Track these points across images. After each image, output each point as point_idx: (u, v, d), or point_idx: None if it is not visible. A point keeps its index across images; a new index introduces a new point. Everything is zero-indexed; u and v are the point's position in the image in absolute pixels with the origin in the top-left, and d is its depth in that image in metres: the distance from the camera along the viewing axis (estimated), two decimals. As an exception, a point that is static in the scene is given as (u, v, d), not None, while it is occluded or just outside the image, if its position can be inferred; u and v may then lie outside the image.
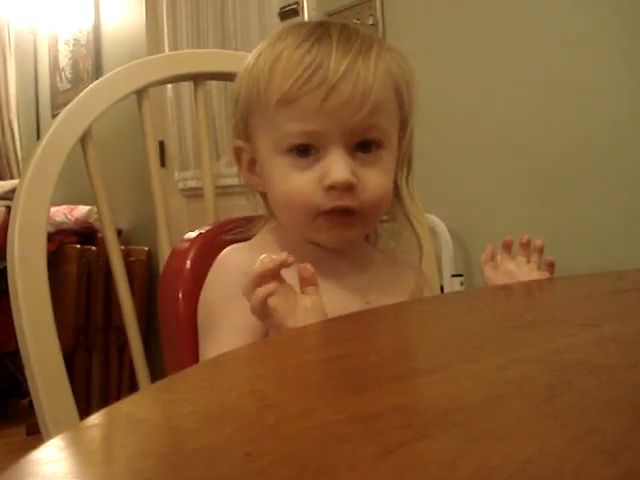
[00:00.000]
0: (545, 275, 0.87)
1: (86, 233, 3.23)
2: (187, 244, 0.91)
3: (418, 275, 0.92)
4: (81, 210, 3.23)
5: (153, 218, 1.07)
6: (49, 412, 0.86)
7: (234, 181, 0.91)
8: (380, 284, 0.85)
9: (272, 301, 0.67)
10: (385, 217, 0.89)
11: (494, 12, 1.78)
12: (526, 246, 0.90)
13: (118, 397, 0.43)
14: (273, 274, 0.67)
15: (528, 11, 1.70)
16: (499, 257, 0.91)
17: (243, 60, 0.86)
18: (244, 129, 0.84)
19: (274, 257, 0.66)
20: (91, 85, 1.00)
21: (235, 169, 0.89)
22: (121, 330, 1.05)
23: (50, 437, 0.36)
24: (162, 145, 3.13)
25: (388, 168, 0.82)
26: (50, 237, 2.98)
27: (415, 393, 0.42)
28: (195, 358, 0.83)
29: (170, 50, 3.06)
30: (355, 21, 2.10)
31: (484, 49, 1.81)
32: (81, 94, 0.98)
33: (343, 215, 0.78)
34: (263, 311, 0.67)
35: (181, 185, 3.11)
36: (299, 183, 0.78)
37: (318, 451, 0.33)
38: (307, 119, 0.76)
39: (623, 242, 1.53)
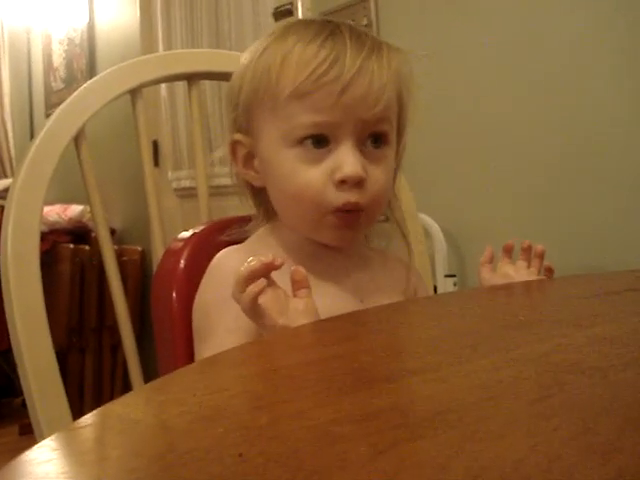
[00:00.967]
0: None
1: (79, 232, 3.22)
2: (181, 244, 0.91)
3: (411, 272, 0.92)
4: (74, 209, 3.22)
5: (147, 218, 1.07)
6: (42, 412, 0.86)
7: (228, 181, 0.91)
8: (374, 283, 0.85)
9: (263, 300, 0.67)
10: (382, 217, 0.89)
11: (488, 13, 1.78)
12: (527, 251, 0.90)
13: (111, 397, 0.43)
14: (261, 275, 0.67)
15: (523, 11, 1.71)
16: (500, 261, 0.92)
17: (237, 60, 0.86)
18: (245, 123, 0.83)
19: (262, 259, 0.66)
20: (85, 84, 1.00)
21: (228, 169, 0.89)
22: (114, 330, 1.05)
23: (43, 437, 0.36)
24: (156, 145, 3.13)
25: (390, 166, 0.82)
26: (43, 236, 2.98)
27: (408, 393, 0.42)
28: (188, 358, 0.83)
29: (164, 50, 3.06)
30: (350, 21, 2.10)
31: (478, 50, 1.81)
32: (75, 93, 0.98)
33: (351, 213, 0.79)
34: (254, 310, 0.67)
35: (175, 185, 3.10)
36: (309, 177, 0.77)
37: (311, 451, 0.33)
38: (322, 111, 0.75)
39: (616, 243, 1.53)
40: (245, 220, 0.90)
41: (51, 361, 0.88)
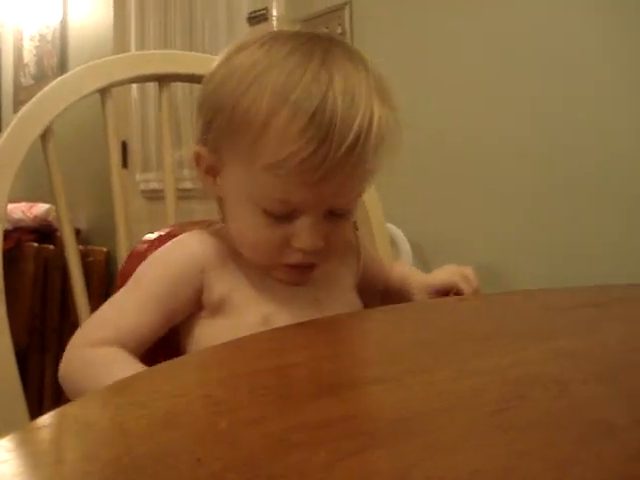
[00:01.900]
0: None
1: (44, 231, 3.18)
2: (145, 246, 0.91)
3: (356, 250, 0.92)
4: (40, 208, 3.18)
5: (113, 219, 1.06)
6: (-1, 412, 0.84)
7: (196, 184, 0.91)
8: (327, 279, 0.85)
9: None
10: None
11: (463, 23, 1.80)
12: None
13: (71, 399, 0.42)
14: None
15: (498, 19, 1.72)
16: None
17: (210, 63, 0.83)
18: (212, 142, 0.77)
19: None
20: (54, 82, 0.98)
21: (196, 172, 0.88)
22: (76, 331, 1.03)
23: (-1, 437, 0.35)
24: (125, 145, 3.11)
25: (353, 214, 0.81)
26: (7, 234, 2.92)
27: (368, 402, 0.43)
28: (149, 361, 0.82)
29: (137, 50, 3.04)
30: (324, 29, 2.11)
31: (452, 59, 1.82)
32: (43, 90, 0.97)
33: (305, 267, 0.78)
34: None
35: (142, 186, 3.08)
36: (267, 235, 0.75)
37: (269, 458, 0.33)
38: (293, 193, 0.72)
39: (581, 255, 1.55)
40: (211, 224, 0.89)
41: (10, 361, 0.86)
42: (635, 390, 0.43)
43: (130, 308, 0.76)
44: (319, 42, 0.74)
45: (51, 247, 3.06)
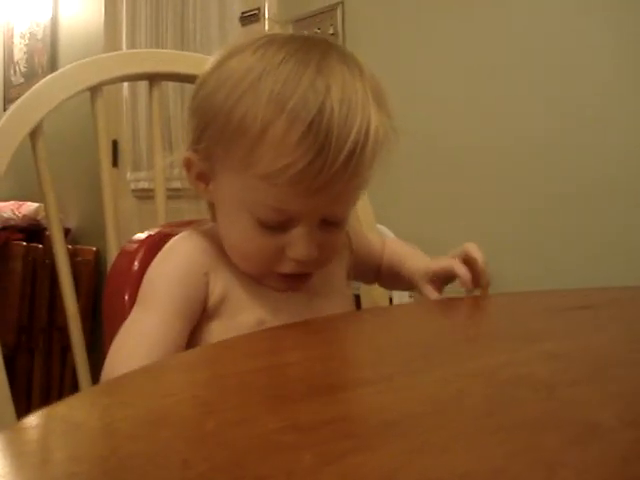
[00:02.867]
0: None
1: (33, 230, 3.17)
2: (135, 245, 0.90)
3: (347, 244, 0.91)
4: (29, 207, 3.17)
5: (103, 218, 1.06)
6: (-15, 412, 0.84)
7: (185, 184, 0.90)
8: (321, 280, 0.84)
9: None
10: None
11: (455, 23, 1.80)
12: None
13: (59, 399, 0.42)
14: None
15: (491, 20, 1.73)
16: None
17: (202, 63, 0.83)
18: (205, 150, 0.76)
19: None
20: (44, 80, 0.98)
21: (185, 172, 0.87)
22: (65, 331, 1.03)
23: (-15, 437, 0.35)
24: (115, 144, 3.10)
25: (347, 222, 0.81)
26: (-4, 232, 2.93)
27: (358, 404, 0.42)
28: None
29: (128, 48, 3.03)
30: (316, 30, 2.11)
31: (445, 60, 1.83)
32: (33, 88, 0.96)
33: (299, 276, 0.78)
34: None
35: (133, 186, 3.07)
36: (261, 245, 0.75)
37: (256, 459, 0.32)
38: (289, 201, 0.71)
39: (570, 260, 1.56)
40: (201, 224, 0.89)
41: (-2, 360, 0.86)
42: (624, 392, 0.43)
43: (155, 332, 0.73)
44: (314, 47, 0.73)
45: (40, 246, 3.05)
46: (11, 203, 3.18)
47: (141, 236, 0.92)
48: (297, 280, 0.79)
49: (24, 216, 3.15)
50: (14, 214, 3.14)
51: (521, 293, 0.86)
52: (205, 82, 0.76)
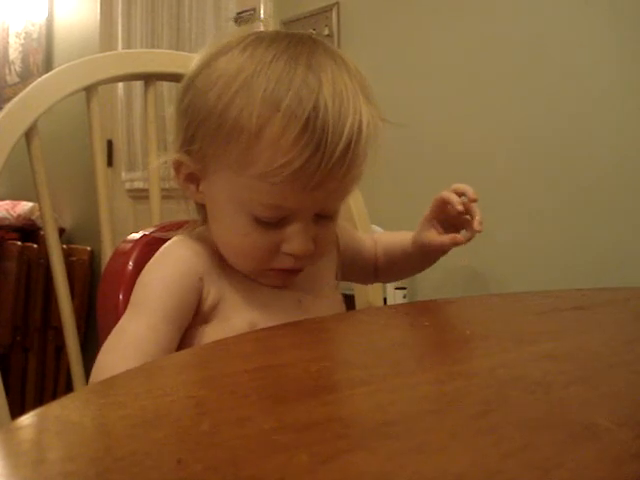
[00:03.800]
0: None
1: (28, 230, 3.16)
2: (130, 245, 0.90)
3: (334, 241, 0.91)
4: (24, 206, 3.16)
5: (97, 218, 1.06)
6: (-21, 412, 0.84)
7: (174, 185, 0.90)
8: (309, 278, 0.85)
9: None
10: None
11: (450, 24, 1.80)
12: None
13: (53, 399, 0.42)
14: None
15: (484, 20, 1.73)
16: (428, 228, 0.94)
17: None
18: (197, 151, 0.75)
19: None
20: (39, 79, 0.98)
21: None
22: (59, 331, 1.03)
23: (-22, 437, 0.35)
24: (110, 144, 3.09)
25: (339, 214, 0.81)
26: (-10, 232, 2.92)
27: (352, 404, 0.42)
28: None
29: (123, 48, 3.03)
30: (311, 31, 2.10)
31: (439, 61, 1.83)
32: (28, 88, 0.96)
33: (293, 270, 0.79)
34: None
35: (128, 186, 3.07)
36: (257, 241, 0.75)
37: (251, 459, 0.32)
38: (286, 198, 0.71)
39: (564, 261, 1.56)
40: (196, 223, 0.89)
41: (-9, 360, 0.86)
42: (618, 392, 0.43)
43: (144, 337, 0.73)
44: (301, 43, 0.73)
45: (35, 246, 3.04)
46: (6, 203, 3.17)
47: (136, 236, 0.92)
48: (291, 274, 0.80)
49: (19, 216, 3.14)
50: (9, 214, 3.13)
51: (516, 294, 0.86)
52: (192, 82, 0.76)
